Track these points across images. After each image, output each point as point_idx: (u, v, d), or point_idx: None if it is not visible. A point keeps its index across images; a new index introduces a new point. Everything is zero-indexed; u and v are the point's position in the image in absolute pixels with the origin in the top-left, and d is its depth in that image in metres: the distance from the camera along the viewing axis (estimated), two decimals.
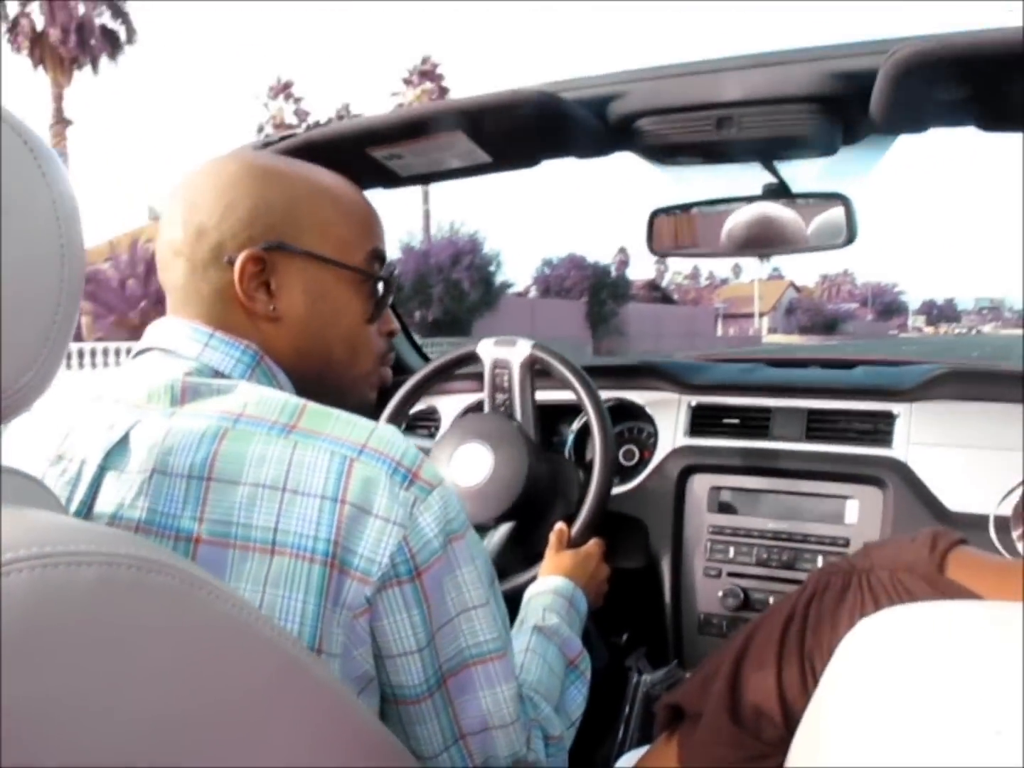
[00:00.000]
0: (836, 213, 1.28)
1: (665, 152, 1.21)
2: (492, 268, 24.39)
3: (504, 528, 1.30)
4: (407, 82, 37.36)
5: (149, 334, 0.76)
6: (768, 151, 1.21)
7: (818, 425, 1.47)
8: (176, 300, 0.76)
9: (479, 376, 1.46)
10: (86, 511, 0.66)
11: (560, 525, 1.26)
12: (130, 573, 0.42)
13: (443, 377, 1.50)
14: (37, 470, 0.69)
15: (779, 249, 1.32)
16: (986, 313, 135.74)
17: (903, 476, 1.35)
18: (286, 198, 0.76)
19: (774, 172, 1.28)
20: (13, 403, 0.50)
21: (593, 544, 1.25)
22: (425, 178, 1.36)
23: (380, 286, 0.82)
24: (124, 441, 0.67)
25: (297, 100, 38.03)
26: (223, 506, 0.63)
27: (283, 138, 1.27)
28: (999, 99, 0.98)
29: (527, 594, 1.12)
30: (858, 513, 1.39)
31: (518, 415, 1.38)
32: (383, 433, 0.67)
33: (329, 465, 0.64)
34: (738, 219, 1.33)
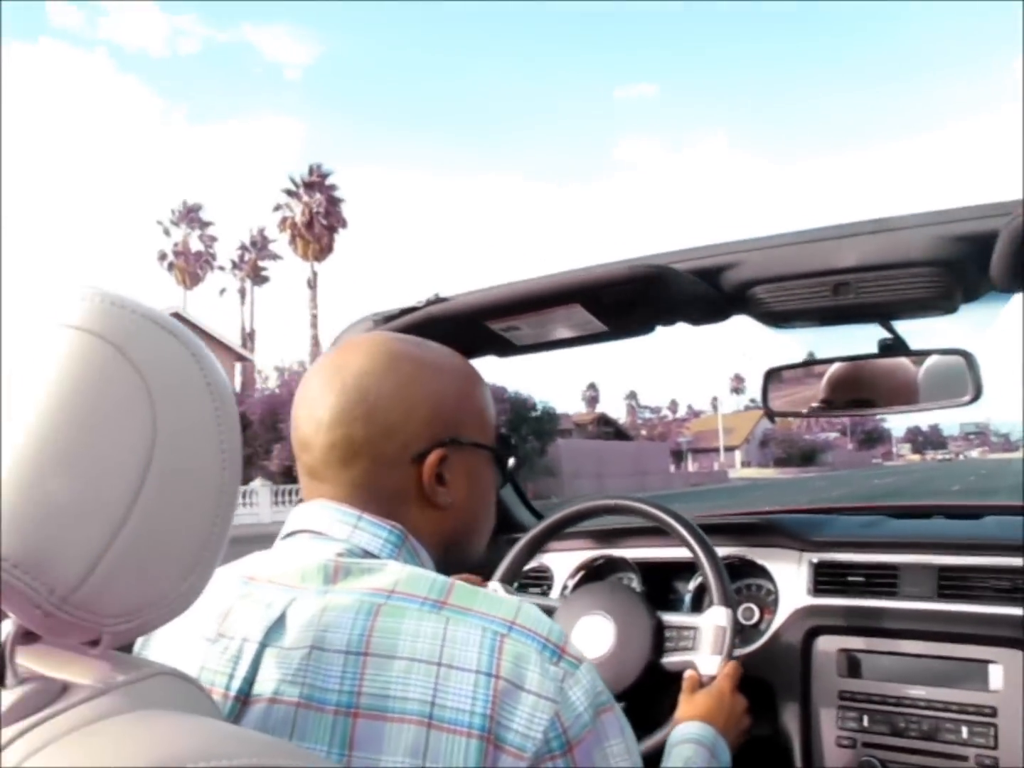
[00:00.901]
0: (957, 368, 1.25)
1: (780, 317, 1.22)
2: None
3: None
4: (292, 194, 35.54)
5: (297, 517, 0.79)
6: (886, 313, 1.21)
7: (950, 583, 1.39)
8: (328, 489, 0.79)
9: (589, 533, 1.44)
10: (248, 688, 0.68)
11: (690, 672, 1.23)
12: None
13: (558, 534, 1.50)
14: (197, 649, 0.72)
15: (899, 407, 1.30)
16: (972, 438, 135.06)
17: None
18: (455, 392, 0.81)
19: (890, 329, 1.27)
20: (172, 609, 0.52)
21: (724, 678, 1.21)
22: (540, 347, 1.40)
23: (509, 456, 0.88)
24: (282, 619, 0.70)
25: (204, 225, 36.96)
26: (380, 680, 0.64)
27: (404, 312, 1.33)
28: None
29: (668, 743, 1.11)
30: (1003, 679, 1.29)
31: (636, 581, 1.36)
32: (528, 610, 0.69)
33: (481, 641, 0.65)
34: (855, 376, 1.32)
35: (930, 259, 1.05)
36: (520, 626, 0.67)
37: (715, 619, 1.26)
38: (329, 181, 35.78)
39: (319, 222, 34.97)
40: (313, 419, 0.78)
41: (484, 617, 0.67)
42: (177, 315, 19.92)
